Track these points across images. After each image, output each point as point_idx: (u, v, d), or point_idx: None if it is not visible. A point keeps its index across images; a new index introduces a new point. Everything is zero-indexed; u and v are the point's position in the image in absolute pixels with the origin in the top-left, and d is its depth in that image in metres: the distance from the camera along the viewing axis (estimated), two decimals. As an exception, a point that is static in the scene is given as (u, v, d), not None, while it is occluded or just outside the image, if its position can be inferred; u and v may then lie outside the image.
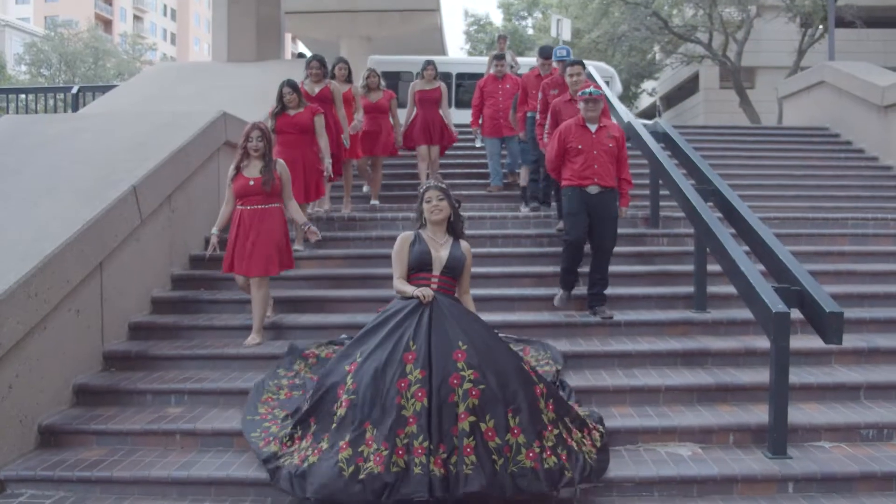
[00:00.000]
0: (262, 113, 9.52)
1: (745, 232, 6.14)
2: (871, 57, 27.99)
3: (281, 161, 6.51)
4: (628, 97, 38.47)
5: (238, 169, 6.31)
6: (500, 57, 10.46)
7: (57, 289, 5.43)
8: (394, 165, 11.19)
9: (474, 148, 11.74)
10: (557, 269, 6.95)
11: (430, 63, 10.28)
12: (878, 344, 6.32)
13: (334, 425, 4.38)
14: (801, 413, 5.44)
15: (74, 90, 17.37)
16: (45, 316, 5.31)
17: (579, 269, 6.90)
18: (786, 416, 5.00)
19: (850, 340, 6.36)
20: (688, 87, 39.96)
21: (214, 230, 6.34)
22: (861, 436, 5.30)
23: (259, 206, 6.26)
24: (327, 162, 7.86)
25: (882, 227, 8.84)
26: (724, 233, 5.97)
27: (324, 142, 7.83)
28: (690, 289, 6.92)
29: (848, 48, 28.94)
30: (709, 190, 6.74)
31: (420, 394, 4.25)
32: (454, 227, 5.05)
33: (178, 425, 5.28)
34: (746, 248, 6.17)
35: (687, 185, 6.77)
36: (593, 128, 6.65)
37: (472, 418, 4.21)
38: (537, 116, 8.38)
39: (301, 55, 17.91)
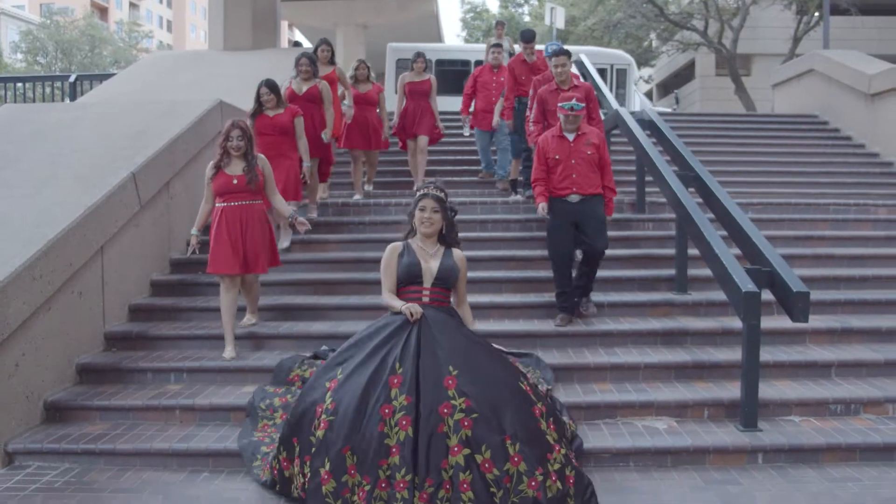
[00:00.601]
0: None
1: (722, 217, 6.37)
2: (867, 44, 28.13)
3: (261, 156, 6.34)
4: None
5: (218, 167, 6.14)
6: (497, 45, 10.32)
7: (60, 272, 5.67)
8: (387, 153, 11.28)
9: (464, 137, 11.81)
10: (545, 252, 7.13)
11: (419, 55, 10.05)
12: (851, 324, 6.56)
13: (314, 449, 4.18)
14: (773, 389, 5.69)
15: (72, 79, 17.53)
16: (49, 297, 5.55)
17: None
18: (756, 392, 5.25)
19: (825, 321, 6.63)
20: (684, 75, 40.08)
21: (194, 230, 6.16)
22: (830, 410, 5.56)
23: (243, 203, 6.12)
24: (306, 165, 7.67)
25: (863, 212, 9.07)
26: (703, 218, 6.20)
27: (303, 144, 7.62)
28: (673, 271, 7.15)
29: (843, 36, 29.07)
30: (690, 176, 6.96)
31: (405, 422, 4.00)
32: (446, 238, 4.81)
33: (177, 401, 5.52)
34: (724, 232, 6.39)
35: (669, 172, 6.98)
36: (571, 136, 6.53)
37: (466, 451, 3.97)
38: (528, 113, 8.26)
39: (297, 44, 18.04)
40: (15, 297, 5.14)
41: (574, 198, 6.44)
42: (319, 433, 4.13)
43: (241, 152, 6.11)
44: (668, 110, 20.71)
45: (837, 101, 13.18)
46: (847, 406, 5.58)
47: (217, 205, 6.15)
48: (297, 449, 4.28)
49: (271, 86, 7.39)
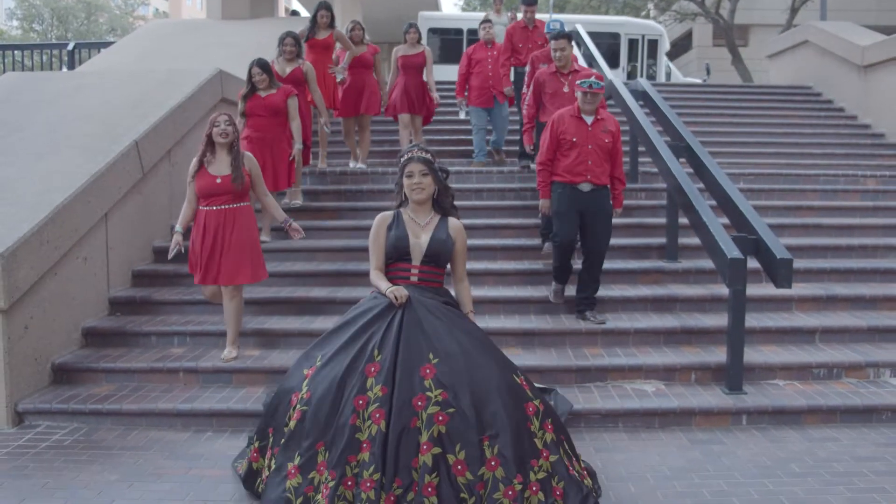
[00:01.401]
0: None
1: (711, 186, 6.52)
2: (865, 15, 28.11)
3: (248, 154, 5.86)
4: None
5: (201, 163, 5.65)
6: (488, 21, 9.99)
7: (66, 237, 5.82)
8: (385, 121, 11.09)
9: (458, 119, 11.41)
10: (539, 220, 7.27)
11: (411, 25, 9.73)
12: (836, 292, 6.75)
13: (283, 440, 3.80)
14: (759, 354, 5.88)
15: (70, 47, 17.54)
16: (55, 262, 5.71)
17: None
18: (741, 355, 5.44)
19: (811, 289, 6.83)
20: (682, 45, 39.94)
21: (178, 227, 5.70)
22: (813, 374, 5.75)
23: (227, 206, 5.63)
24: (297, 147, 7.39)
25: (851, 183, 9.22)
26: (692, 188, 6.35)
27: (296, 125, 7.36)
28: (664, 240, 7.31)
29: (841, 6, 29.02)
30: (681, 146, 7.09)
31: (378, 415, 3.62)
32: (440, 204, 4.31)
33: (181, 363, 5.69)
34: (714, 202, 6.54)
35: (661, 143, 7.11)
36: (589, 120, 6.15)
37: (436, 450, 3.56)
38: (524, 90, 8.08)
39: (294, 13, 18.04)
40: (24, 261, 5.29)
41: (586, 186, 6.12)
42: (292, 424, 3.77)
43: (229, 140, 5.61)
44: (699, 81, 20.71)
45: (831, 73, 13.29)
46: (830, 370, 5.77)
47: (200, 207, 5.68)
48: (271, 439, 3.94)
49: (263, 65, 7.15)
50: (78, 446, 4.91)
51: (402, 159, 4.27)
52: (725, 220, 6.27)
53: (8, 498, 4.16)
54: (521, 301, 6.57)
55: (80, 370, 5.73)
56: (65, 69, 17.68)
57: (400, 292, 3.98)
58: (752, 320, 6.22)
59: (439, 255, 4.21)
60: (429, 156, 4.26)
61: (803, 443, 4.94)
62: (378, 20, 27.81)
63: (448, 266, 4.39)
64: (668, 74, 21.98)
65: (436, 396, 3.65)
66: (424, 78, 9.68)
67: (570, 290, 6.55)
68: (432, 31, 20.66)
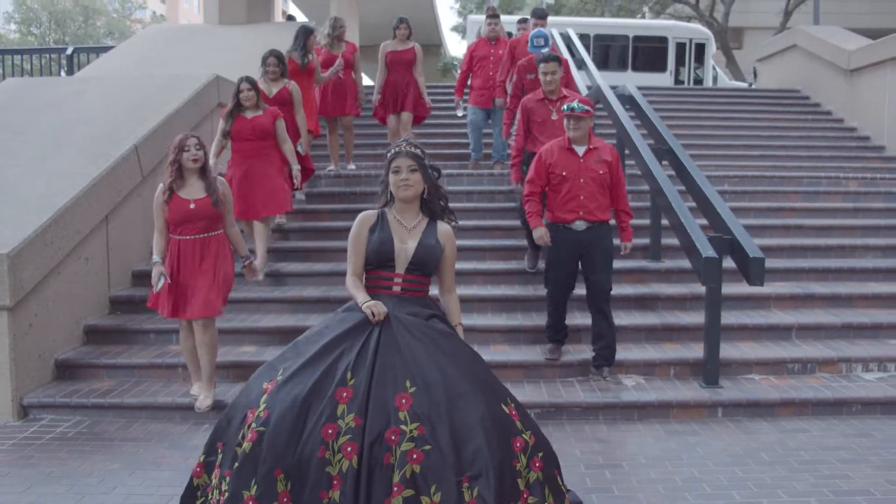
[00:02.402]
0: (255, 75, 10.04)
1: (691, 188, 6.74)
2: (859, 18, 28.32)
3: (221, 178, 5.53)
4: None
5: (171, 191, 5.22)
6: (493, 17, 9.67)
7: (69, 238, 6.04)
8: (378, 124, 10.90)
9: (452, 123, 11.42)
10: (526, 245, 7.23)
11: (402, 21, 9.37)
12: (813, 290, 6.99)
13: (237, 464, 3.26)
14: (736, 350, 6.12)
15: (69, 51, 17.77)
16: (59, 262, 5.94)
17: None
18: (717, 351, 5.68)
19: (789, 287, 7.07)
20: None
21: (157, 257, 5.25)
22: (787, 369, 5.99)
23: (202, 235, 5.26)
24: (296, 169, 7.02)
25: (834, 184, 9.43)
26: (672, 190, 6.56)
27: (288, 148, 6.99)
28: (647, 240, 7.53)
29: (834, 9, 29.23)
30: (664, 149, 7.32)
31: (350, 448, 3.18)
32: (430, 206, 3.82)
33: (179, 360, 5.90)
34: (693, 204, 6.77)
35: (643, 146, 7.32)
36: (581, 150, 5.69)
37: (408, 492, 3.09)
38: (507, 101, 7.84)
39: (290, 17, 18.22)
40: (29, 261, 5.52)
41: (580, 225, 5.64)
42: (246, 445, 3.25)
43: (199, 165, 5.24)
44: (744, 85, 20.99)
45: (818, 77, 13.53)
46: (804, 365, 6.00)
47: (172, 236, 5.28)
48: (220, 457, 3.43)
49: (252, 82, 6.80)
50: (81, 438, 5.14)
51: (390, 154, 3.82)
52: (705, 222, 6.50)
53: (15, 485, 4.39)
54: (509, 300, 6.81)
55: (82, 366, 5.96)
56: (63, 73, 17.92)
57: (378, 308, 3.49)
58: (731, 318, 6.46)
59: (427, 263, 3.72)
60: (419, 151, 3.80)
61: (775, 434, 5.17)
62: (374, 24, 28.00)
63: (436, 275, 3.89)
64: (715, 78, 22.14)
65: (411, 431, 3.18)
66: (415, 76, 9.37)
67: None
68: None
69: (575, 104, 5.66)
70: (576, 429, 5.24)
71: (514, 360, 5.92)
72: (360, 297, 3.62)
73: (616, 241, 5.91)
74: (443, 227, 3.82)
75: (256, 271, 5.63)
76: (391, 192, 3.79)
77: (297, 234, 8.04)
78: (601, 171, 5.67)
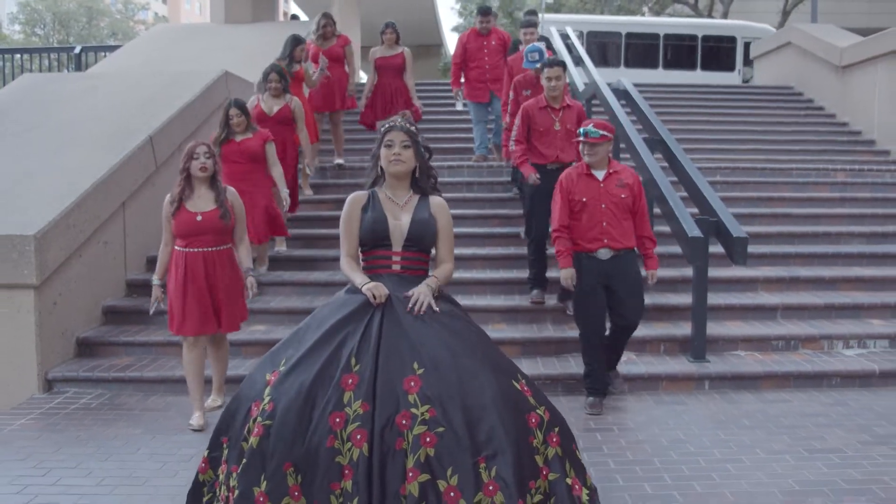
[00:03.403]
0: (259, 74, 10.37)
1: (682, 177, 7.04)
2: (857, 18, 28.59)
3: (232, 189, 5.25)
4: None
5: (180, 201, 5.05)
6: (485, 12, 9.55)
7: (89, 222, 6.36)
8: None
9: (452, 116, 11.58)
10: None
11: (388, 25, 9.29)
12: (799, 274, 7.31)
13: (245, 460, 3.18)
14: (723, 328, 6.44)
15: (77, 50, 18.12)
16: (80, 245, 6.26)
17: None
18: (704, 326, 6.00)
19: (776, 271, 7.39)
20: (676, 47, 40.47)
21: (156, 279, 5.16)
22: (772, 346, 6.31)
23: (209, 249, 5.04)
24: (284, 194, 6.84)
25: (822, 176, 9.75)
26: (663, 180, 6.85)
27: (277, 172, 6.80)
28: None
29: (832, 9, 29.47)
30: (656, 140, 7.62)
31: (360, 436, 3.09)
32: (420, 184, 3.75)
33: (194, 337, 6.22)
34: (685, 193, 7.07)
35: (637, 138, 7.62)
36: (600, 175, 5.37)
37: (423, 477, 3.02)
38: (504, 121, 7.62)
39: (294, 17, 18.55)
40: (53, 242, 5.85)
41: (604, 253, 5.30)
42: (253, 440, 3.17)
43: (209, 174, 5.06)
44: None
45: (812, 73, 13.82)
46: (787, 342, 6.33)
47: (177, 248, 5.08)
48: (226, 452, 3.36)
49: (241, 106, 6.64)
50: (104, 408, 5.47)
51: (383, 128, 3.74)
52: (695, 210, 6.80)
53: (47, 446, 4.72)
54: (507, 282, 7.13)
55: (102, 344, 6.28)
56: (66, 72, 18.27)
57: (379, 290, 3.42)
58: (720, 299, 6.77)
59: (423, 237, 3.63)
60: (413, 128, 3.73)
61: (757, 403, 5.49)
62: (376, 24, 28.23)
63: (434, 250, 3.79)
64: None
65: (422, 413, 3.10)
66: (405, 80, 9.28)
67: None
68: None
69: (590, 128, 5.28)
70: (570, 399, 5.56)
71: (512, 336, 6.25)
72: (358, 279, 3.54)
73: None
74: (435, 200, 3.73)
75: (253, 287, 5.22)
76: (381, 168, 3.71)
77: (302, 222, 8.34)
78: (623, 196, 5.33)
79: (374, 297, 3.39)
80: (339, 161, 9.43)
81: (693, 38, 21.14)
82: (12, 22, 48.91)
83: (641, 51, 20.77)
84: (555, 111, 6.44)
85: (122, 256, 7.02)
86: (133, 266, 7.19)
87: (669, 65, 20.05)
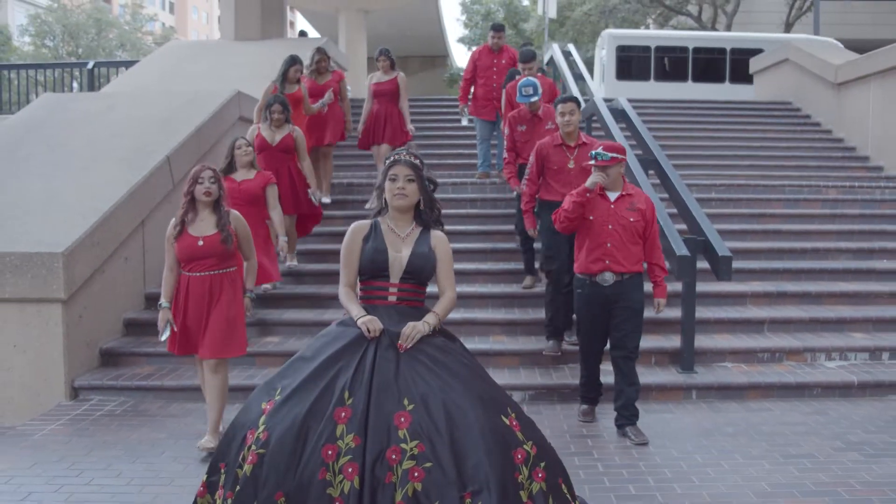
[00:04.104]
0: (266, 84, 10.74)
1: (673, 195, 7.40)
2: (860, 29, 28.85)
3: (235, 213, 5.19)
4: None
5: (183, 224, 5.03)
6: (498, 28, 9.81)
7: (112, 240, 6.75)
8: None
9: (456, 132, 11.88)
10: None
11: (382, 52, 9.45)
12: (786, 289, 7.66)
13: (238, 487, 3.29)
14: (711, 341, 6.79)
15: (90, 65, 18.59)
16: (103, 261, 6.64)
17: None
18: (692, 340, 6.36)
19: (764, 286, 7.73)
20: (679, 59, 40.80)
21: (164, 302, 5.04)
22: (757, 358, 6.66)
23: (212, 273, 5.00)
24: (282, 241, 6.69)
25: (814, 192, 10.09)
26: (654, 198, 7.18)
27: (277, 216, 6.68)
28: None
29: (835, 20, 29.82)
30: (650, 160, 7.98)
31: (351, 469, 3.19)
32: (423, 217, 3.83)
33: (211, 348, 6.59)
34: (675, 210, 7.42)
35: (631, 156, 7.95)
36: (613, 196, 5.34)
37: None
38: (504, 154, 7.45)
39: (303, 33, 18.92)
40: (80, 259, 6.23)
41: (608, 278, 5.27)
42: (247, 468, 3.28)
43: (212, 199, 5.03)
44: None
45: (808, 89, 14.18)
46: (773, 354, 6.68)
47: (183, 273, 5.05)
48: (223, 478, 3.45)
49: (250, 142, 6.73)
50: (128, 414, 5.84)
51: (388, 161, 3.83)
52: (684, 227, 7.15)
53: (78, 449, 5.10)
54: (507, 296, 7.50)
55: (124, 354, 6.66)
56: (75, 85, 18.73)
57: (373, 325, 3.50)
58: (709, 313, 7.13)
59: (421, 271, 3.72)
60: (417, 161, 3.81)
61: (741, 412, 5.84)
62: (382, 36, 28.74)
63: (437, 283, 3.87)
64: None
65: (411, 449, 3.21)
66: (399, 106, 9.43)
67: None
68: (620, 48, 21.46)
69: (600, 151, 5.27)
70: (564, 407, 5.92)
71: (512, 348, 6.62)
72: (355, 311, 3.62)
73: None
74: (436, 234, 3.81)
75: (248, 307, 5.27)
76: (385, 200, 3.79)
77: (314, 237, 8.70)
78: (632, 219, 5.27)
79: (369, 332, 3.48)
80: (326, 200, 9.19)
81: (759, 52, 21.38)
82: (22, 34, 49.47)
83: (703, 65, 21.14)
84: (570, 149, 6.31)
85: (142, 271, 7.40)
86: (152, 280, 7.56)
87: (737, 79, 20.16)
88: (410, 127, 9.54)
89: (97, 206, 6.77)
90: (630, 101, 9.66)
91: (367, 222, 3.81)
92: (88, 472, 4.73)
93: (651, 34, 21.16)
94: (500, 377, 6.20)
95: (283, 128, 7.65)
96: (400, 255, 3.69)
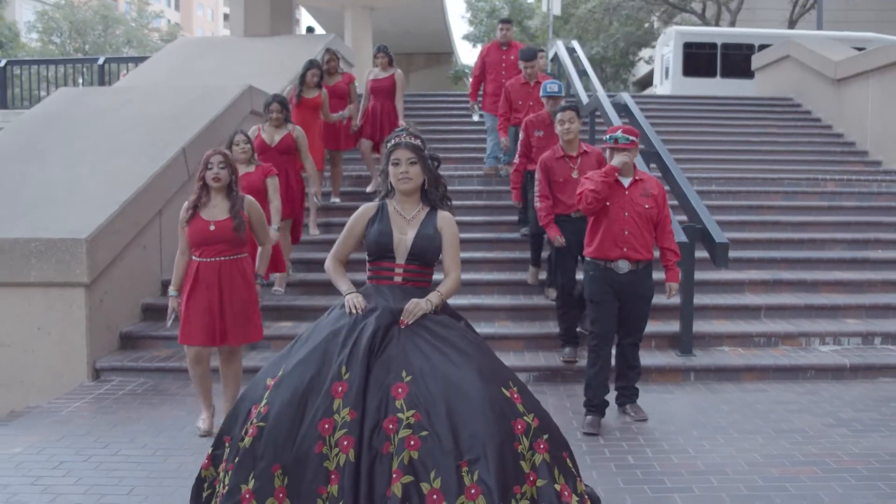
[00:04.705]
0: (279, 85, 11.01)
1: (674, 187, 7.61)
2: (864, 26, 28.97)
3: (249, 198, 5.16)
4: (625, 65, 39.60)
5: (195, 208, 5.00)
6: (506, 21, 9.91)
7: (131, 228, 7.00)
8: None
9: (466, 127, 12.02)
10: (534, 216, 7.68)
11: (380, 49, 9.54)
12: (782, 277, 7.90)
13: (237, 458, 3.37)
14: (710, 326, 7.03)
15: (101, 61, 18.87)
16: (122, 248, 6.90)
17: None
18: (691, 324, 6.60)
19: (762, 274, 7.98)
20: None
21: (173, 290, 5.08)
22: (754, 342, 6.90)
23: (223, 258, 4.98)
24: (274, 229, 6.36)
25: (812, 185, 10.33)
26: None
27: (275, 206, 6.51)
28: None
29: (839, 18, 29.95)
30: (651, 153, 8.20)
31: (346, 442, 3.23)
32: (429, 196, 3.87)
33: (227, 332, 6.84)
34: (676, 202, 7.64)
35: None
36: (626, 182, 5.25)
37: (406, 478, 3.15)
38: (515, 160, 7.39)
39: (310, 29, 19.19)
40: (101, 246, 6.49)
41: (623, 266, 5.21)
42: (247, 441, 3.35)
43: (223, 184, 4.99)
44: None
45: (809, 85, 14.38)
46: (769, 339, 6.91)
47: (193, 258, 5.03)
48: (227, 451, 3.54)
49: (248, 136, 6.53)
50: (148, 393, 6.10)
51: (389, 145, 3.83)
52: (685, 218, 7.38)
53: (103, 425, 5.35)
54: (512, 283, 7.76)
55: (142, 337, 6.92)
56: (81, 81, 19.02)
57: (357, 300, 3.61)
58: (708, 299, 7.36)
59: (426, 252, 3.77)
60: (418, 142, 3.80)
61: (737, 393, 6.07)
62: (387, 32, 28.94)
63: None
64: None
65: (407, 418, 3.24)
66: (395, 103, 9.49)
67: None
68: (687, 45, 21.75)
69: (619, 134, 5.20)
70: (567, 387, 6.16)
71: (517, 332, 6.88)
72: (343, 286, 3.75)
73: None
74: (442, 214, 3.84)
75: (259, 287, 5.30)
76: (391, 184, 3.82)
77: (327, 228, 8.94)
78: (647, 206, 5.24)
79: (355, 308, 3.56)
80: (336, 199, 9.48)
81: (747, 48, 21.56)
82: (30, 31, 49.78)
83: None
84: (572, 159, 6.27)
85: (159, 259, 7.65)
86: (168, 268, 7.76)
87: None
88: (403, 123, 9.18)
89: (117, 196, 7.02)
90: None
91: (375, 204, 3.86)
92: (114, 444, 4.98)
93: (717, 31, 21.40)
94: (506, 360, 6.23)
95: (282, 128, 7.52)
96: (405, 237, 3.74)
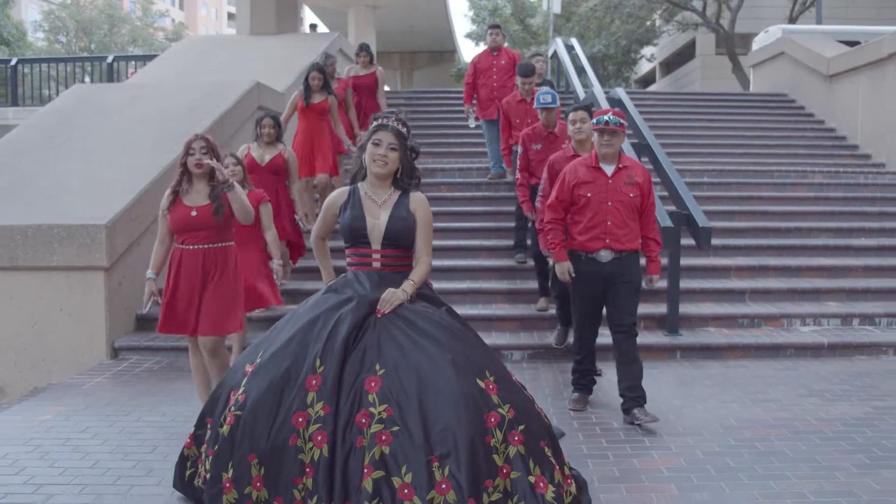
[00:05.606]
0: (286, 82, 11.38)
1: (663, 177, 7.98)
2: (864, 21, 29.22)
3: (238, 186, 4.98)
4: (627, 62, 39.92)
5: (176, 194, 4.89)
6: (495, 26, 10.08)
7: (146, 215, 7.37)
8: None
9: (467, 128, 11.81)
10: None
11: (362, 47, 9.84)
12: (768, 263, 8.26)
13: (216, 446, 3.48)
14: (696, 308, 7.40)
15: (109, 59, 19.26)
16: (138, 235, 7.27)
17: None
18: (677, 305, 6.96)
19: (748, 261, 8.35)
20: (686, 53, 41.25)
21: (151, 272, 4.97)
22: (738, 323, 7.26)
23: (208, 246, 4.86)
24: (276, 264, 5.96)
25: (801, 177, 10.68)
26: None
27: (271, 236, 5.99)
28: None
29: (838, 15, 30.23)
30: (643, 145, 8.56)
31: (320, 437, 3.25)
32: (401, 183, 3.82)
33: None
34: (666, 193, 8.01)
35: (626, 143, 8.55)
36: (609, 169, 5.08)
37: (377, 473, 3.16)
38: (517, 175, 7.15)
39: (313, 26, 19.51)
40: (120, 231, 6.87)
41: (605, 255, 5.07)
42: (225, 428, 3.43)
43: (205, 171, 4.84)
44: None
45: (803, 81, 14.72)
46: (752, 320, 7.28)
47: (176, 245, 4.95)
48: (208, 433, 3.63)
49: (238, 159, 6.18)
50: (165, 370, 6.49)
51: (374, 123, 3.78)
52: (672, 207, 7.73)
53: (123, 397, 5.74)
54: (509, 269, 8.14)
55: (156, 320, 7.18)
56: (87, 79, 19.41)
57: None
58: (696, 283, 7.74)
59: (401, 236, 3.73)
60: (405, 130, 3.78)
61: (720, 369, 6.45)
62: (390, 31, 29.25)
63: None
64: None
65: (380, 413, 3.26)
66: (377, 99, 9.70)
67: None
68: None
69: (609, 116, 5.00)
70: (560, 364, 6.53)
71: (512, 314, 7.26)
72: (325, 273, 3.96)
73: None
74: (415, 196, 3.80)
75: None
76: (364, 160, 3.78)
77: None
78: (631, 195, 5.06)
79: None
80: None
81: None
82: (36, 30, 50.18)
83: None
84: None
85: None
86: (181, 254, 8.19)
87: None
88: None
89: (133, 186, 7.40)
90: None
91: (345, 190, 3.86)
92: (136, 412, 5.37)
93: (825, 29, 21.48)
94: (502, 339, 6.85)
95: (274, 146, 7.33)
96: (378, 221, 3.72)
